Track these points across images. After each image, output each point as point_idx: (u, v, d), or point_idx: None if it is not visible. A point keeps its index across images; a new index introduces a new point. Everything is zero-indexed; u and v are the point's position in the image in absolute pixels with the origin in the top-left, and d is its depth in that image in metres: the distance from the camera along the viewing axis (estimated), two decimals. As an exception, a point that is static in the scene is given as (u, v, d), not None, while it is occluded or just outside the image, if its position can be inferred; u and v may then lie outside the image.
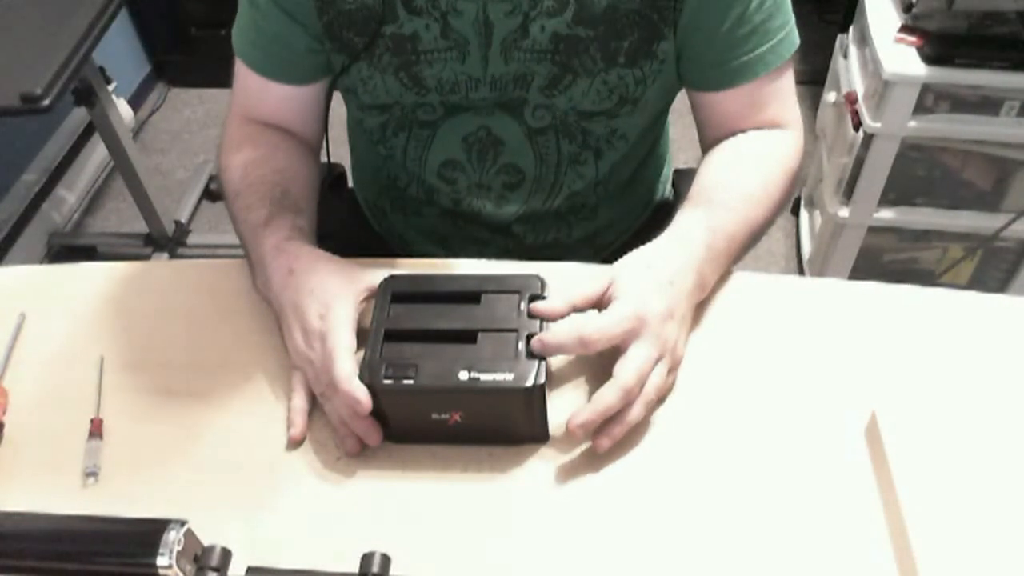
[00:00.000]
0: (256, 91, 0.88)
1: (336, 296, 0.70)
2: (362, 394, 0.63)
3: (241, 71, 0.88)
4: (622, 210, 0.99)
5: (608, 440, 0.64)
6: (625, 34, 0.77)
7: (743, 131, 0.84)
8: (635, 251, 0.71)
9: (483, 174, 0.89)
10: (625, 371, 0.63)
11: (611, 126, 0.86)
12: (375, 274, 0.72)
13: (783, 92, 0.83)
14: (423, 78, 0.81)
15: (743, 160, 0.82)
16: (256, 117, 0.89)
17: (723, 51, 0.79)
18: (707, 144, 0.88)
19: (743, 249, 0.78)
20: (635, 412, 0.64)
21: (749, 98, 0.82)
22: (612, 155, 0.89)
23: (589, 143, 0.87)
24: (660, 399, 0.68)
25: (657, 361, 0.65)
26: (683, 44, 0.80)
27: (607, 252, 1.02)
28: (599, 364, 0.72)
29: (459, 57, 0.79)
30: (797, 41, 0.82)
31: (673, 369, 0.68)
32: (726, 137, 0.85)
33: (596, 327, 0.64)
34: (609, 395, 0.63)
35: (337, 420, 0.68)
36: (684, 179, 1.07)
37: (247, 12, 0.85)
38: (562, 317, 0.66)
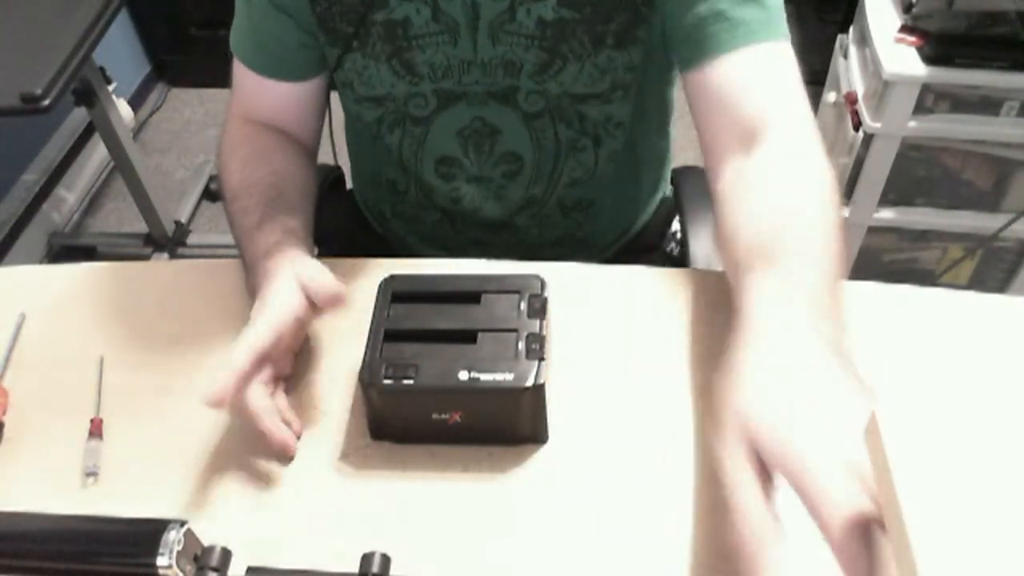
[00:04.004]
0: (253, 90, 0.89)
1: (274, 292, 0.68)
2: (235, 375, 0.62)
3: (238, 71, 0.89)
4: (623, 207, 0.99)
5: None
6: (611, 17, 0.77)
7: (743, 127, 0.72)
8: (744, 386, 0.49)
9: (481, 165, 0.89)
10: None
11: (606, 112, 0.86)
12: (324, 277, 0.69)
13: (780, 75, 0.74)
14: (415, 64, 0.81)
15: (778, 187, 0.67)
16: (254, 117, 0.90)
17: (702, 20, 0.74)
18: (713, 170, 0.75)
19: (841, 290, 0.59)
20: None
21: (740, 72, 0.74)
22: (610, 143, 0.89)
23: (586, 129, 0.87)
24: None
25: None
26: (667, 19, 0.77)
27: (609, 252, 1.02)
28: (600, 364, 0.72)
29: (450, 40, 0.79)
30: (784, 29, 0.76)
31: None
32: (728, 147, 0.73)
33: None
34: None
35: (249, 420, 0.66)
36: (684, 178, 1.07)
37: (243, 10, 0.85)
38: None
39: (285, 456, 0.67)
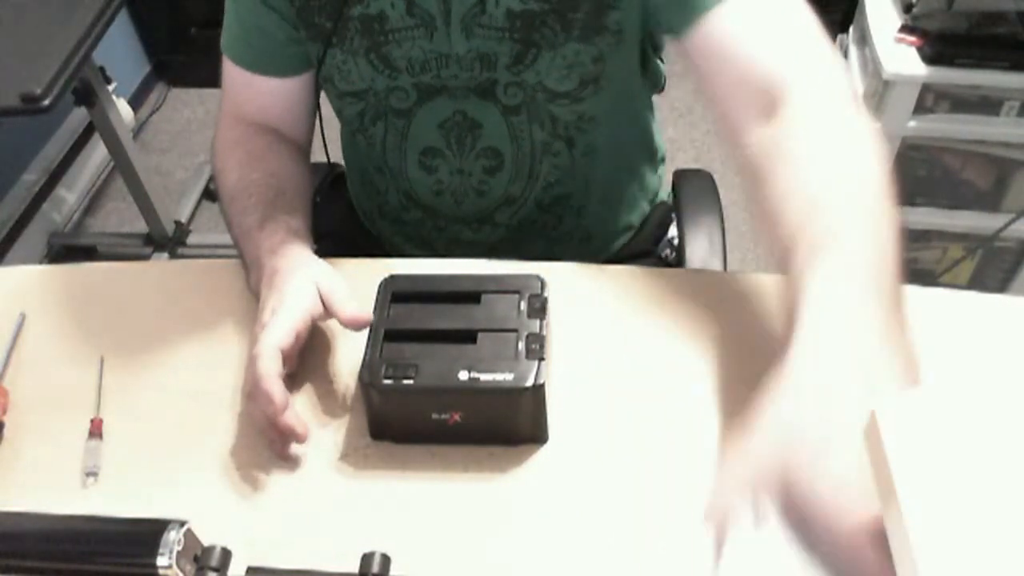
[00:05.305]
0: (242, 87, 0.89)
1: (293, 293, 0.69)
2: (278, 395, 0.63)
3: (228, 69, 0.89)
4: (612, 210, 0.99)
5: None
6: (579, 5, 0.77)
7: (756, 87, 0.67)
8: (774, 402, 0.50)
9: (463, 158, 0.89)
10: None
11: (577, 111, 0.85)
12: (338, 279, 0.71)
13: (786, 19, 0.68)
14: (392, 59, 0.81)
15: (813, 157, 0.62)
16: (245, 116, 0.90)
17: None
18: (733, 142, 0.70)
19: (899, 267, 0.56)
20: None
21: (737, 22, 0.68)
22: (584, 139, 0.88)
23: (559, 132, 0.86)
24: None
25: None
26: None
27: (606, 255, 1.01)
28: (600, 364, 0.72)
29: (426, 35, 0.79)
30: None
31: None
32: (745, 112, 0.68)
33: None
34: None
35: (261, 421, 0.66)
36: (684, 181, 1.06)
37: (231, 7, 0.86)
38: None
39: (288, 456, 0.67)
